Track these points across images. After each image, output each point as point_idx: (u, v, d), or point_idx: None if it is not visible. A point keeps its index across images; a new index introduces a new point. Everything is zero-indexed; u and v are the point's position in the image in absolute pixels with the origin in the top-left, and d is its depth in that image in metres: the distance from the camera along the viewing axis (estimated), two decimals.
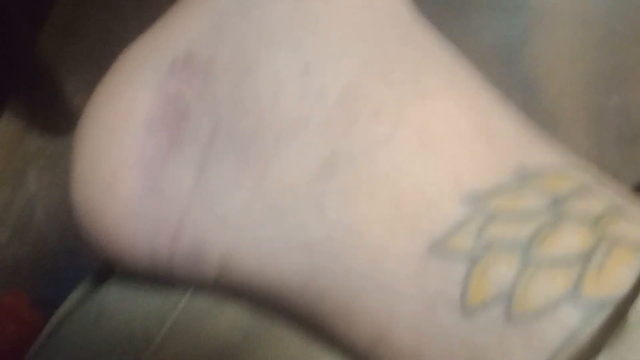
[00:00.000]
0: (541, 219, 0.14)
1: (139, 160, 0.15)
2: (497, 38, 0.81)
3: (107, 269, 0.19)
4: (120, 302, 0.18)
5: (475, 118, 0.15)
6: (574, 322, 0.13)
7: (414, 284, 0.14)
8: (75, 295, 0.20)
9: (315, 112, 0.15)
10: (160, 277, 0.17)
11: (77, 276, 0.20)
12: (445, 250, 0.14)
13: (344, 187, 0.14)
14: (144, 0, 0.57)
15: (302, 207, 0.14)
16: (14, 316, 0.53)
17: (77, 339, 0.19)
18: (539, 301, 0.13)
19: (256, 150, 0.15)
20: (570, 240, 0.13)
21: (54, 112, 0.67)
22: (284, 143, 0.15)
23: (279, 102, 0.15)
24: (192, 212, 0.15)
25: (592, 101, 0.81)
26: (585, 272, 0.13)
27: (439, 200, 0.14)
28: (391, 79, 0.15)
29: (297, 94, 0.15)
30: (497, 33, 0.80)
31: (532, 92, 0.79)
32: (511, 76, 0.79)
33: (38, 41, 0.69)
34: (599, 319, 0.12)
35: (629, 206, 0.15)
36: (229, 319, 0.17)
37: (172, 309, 0.17)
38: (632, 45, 0.81)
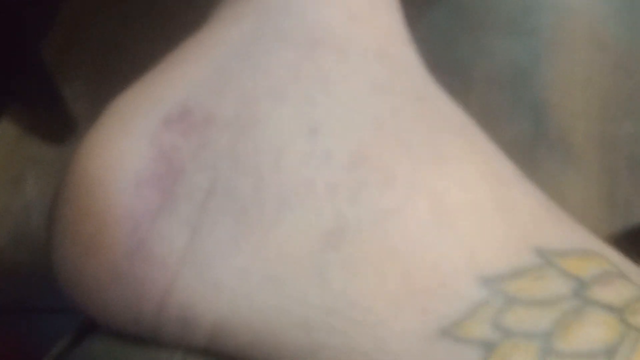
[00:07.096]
0: (564, 305, 0.12)
1: (126, 218, 0.14)
2: (508, 60, 0.80)
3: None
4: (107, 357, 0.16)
5: (495, 190, 0.14)
6: None
7: None
8: (58, 348, 0.18)
9: (321, 176, 0.14)
10: (147, 338, 0.16)
11: None
12: (458, 334, 0.12)
13: (349, 259, 0.13)
14: (149, 9, 0.56)
15: (303, 277, 0.13)
16: None
17: None
18: None
19: (256, 213, 0.14)
20: (594, 332, 0.12)
21: (54, 118, 0.66)
22: (287, 208, 0.14)
23: (282, 163, 0.14)
24: (183, 276, 0.14)
25: (605, 127, 0.79)
26: None
27: (452, 279, 0.13)
28: (405, 141, 0.14)
29: (302, 155, 0.14)
30: (509, 55, 0.79)
31: (543, 116, 0.78)
32: (522, 99, 0.78)
33: (41, 47, 0.69)
34: None
35: None
36: None
37: None
38: None
